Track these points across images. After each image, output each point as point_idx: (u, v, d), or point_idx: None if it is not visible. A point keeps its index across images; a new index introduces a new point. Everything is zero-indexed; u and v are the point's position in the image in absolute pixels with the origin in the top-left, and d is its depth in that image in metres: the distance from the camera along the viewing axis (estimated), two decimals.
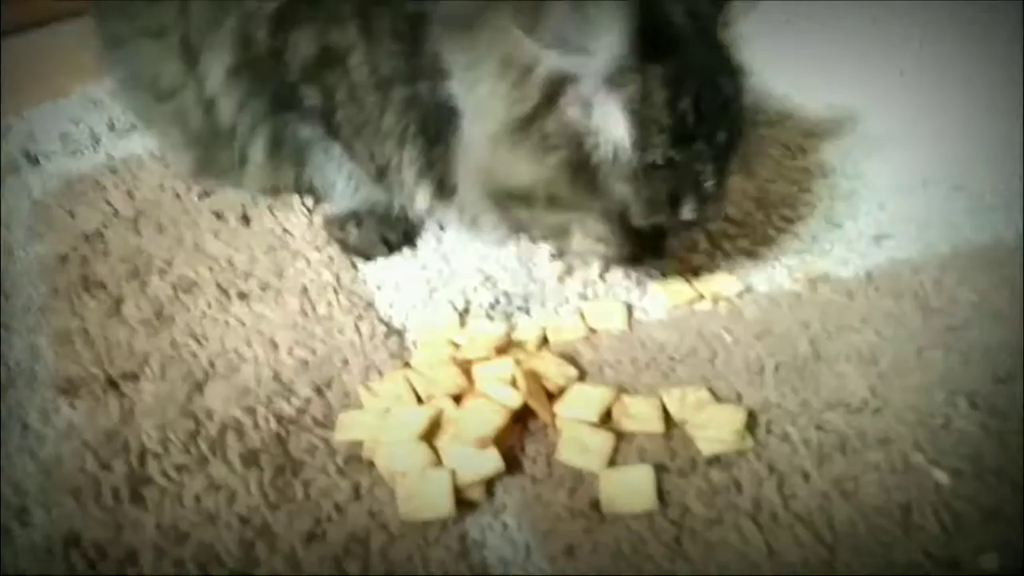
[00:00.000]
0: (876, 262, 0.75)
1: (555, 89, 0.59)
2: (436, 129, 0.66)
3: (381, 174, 0.73)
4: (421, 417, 0.58)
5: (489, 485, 0.56)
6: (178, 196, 0.86)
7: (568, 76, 0.58)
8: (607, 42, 0.56)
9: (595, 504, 0.54)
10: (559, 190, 0.62)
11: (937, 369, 0.63)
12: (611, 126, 0.59)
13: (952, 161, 0.88)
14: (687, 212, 0.63)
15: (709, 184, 0.62)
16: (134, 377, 0.65)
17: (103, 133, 0.97)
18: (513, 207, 0.65)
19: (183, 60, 0.76)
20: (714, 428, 0.58)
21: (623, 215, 0.63)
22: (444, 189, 0.70)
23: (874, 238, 0.78)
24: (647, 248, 0.67)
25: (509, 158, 0.61)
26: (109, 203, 0.86)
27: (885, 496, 0.54)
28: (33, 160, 0.94)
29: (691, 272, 0.75)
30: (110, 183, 0.88)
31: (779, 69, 1.03)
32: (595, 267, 0.74)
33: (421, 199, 0.72)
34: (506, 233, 0.72)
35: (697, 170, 0.62)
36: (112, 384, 0.65)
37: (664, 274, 0.73)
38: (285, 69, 0.70)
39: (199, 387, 0.64)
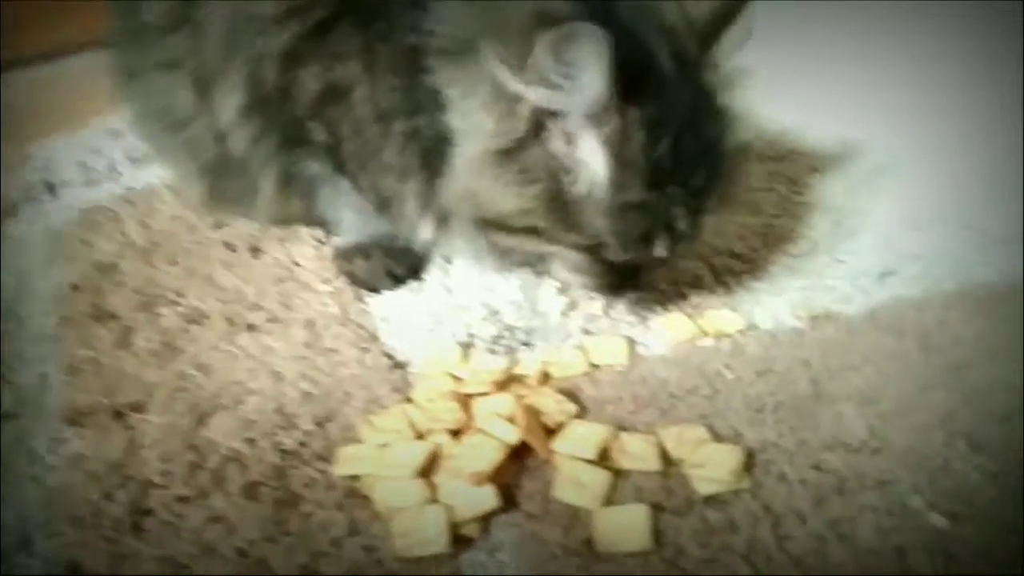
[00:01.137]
0: (880, 299, 0.75)
1: (540, 122, 0.61)
2: (437, 162, 0.67)
3: (384, 206, 0.74)
4: (418, 453, 0.59)
5: (485, 521, 0.56)
6: (192, 227, 0.87)
7: (552, 112, 0.60)
8: (587, 81, 0.57)
9: (589, 542, 0.54)
10: (537, 221, 0.63)
11: (938, 409, 0.63)
12: (590, 162, 0.61)
13: (959, 196, 0.88)
14: (659, 250, 0.65)
15: (682, 224, 0.64)
16: (140, 408, 0.66)
17: (121, 163, 0.98)
18: (494, 234, 0.67)
19: (195, 92, 0.77)
20: (711, 467, 0.58)
21: (598, 248, 0.65)
22: (447, 221, 0.71)
23: (879, 275, 0.78)
24: (625, 278, 0.69)
25: (491, 186, 0.63)
26: (124, 234, 0.87)
27: (881, 539, 0.54)
28: (51, 189, 0.95)
29: (693, 308, 0.75)
30: (126, 214, 0.90)
31: (785, 102, 1.04)
32: (598, 303, 0.74)
33: (424, 231, 0.73)
34: (496, 260, 0.74)
35: (672, 212, 0.63)
36: (118, 415, 0.66)
37: (643, 303, 0.74)
38: (293, 106, 0.72)
39: (203, 419, 0.65)
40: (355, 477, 0.59)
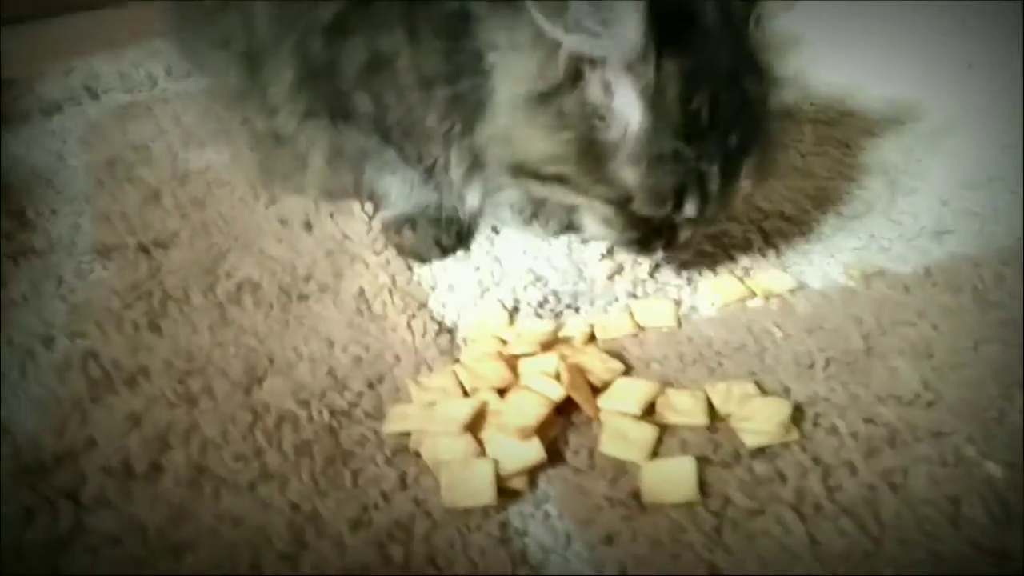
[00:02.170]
0: (935, 258, 0.74)
1: (578, 69, 0.61)
2: (481, 128, 0.68)
3: (430, 175, 0.75)
4: (465, 409, 0.59)
5: (532, 475, 0.57)
6: (220, 119, 0.90)
7: (591, 59, 0.60)
8: (623, 30, 0.57)
9: (636, 494, 0.55)
10: (567, 168, 0.63)
11: (993, 363, 0.61)
12: (626, 111, 0.60)
13: (1016, 156, 0.86)
14: (689, 209, 0.64)
15: (714, 185, 0.63)
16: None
17: (160, 76, 1.02)
18: (527, 181, 0.67)
19: (246, 69, 0.79)
20: (758, 420, 0.57)
21: (626, 203, 0.64)
22: (483, 171, 0.72)
23: (935, 234, 0.77)
24: (658, 237, 0.68)
25: (526, 129, 0.63)
26: (158, 124, 0.91)
27: (935, 488, 0.53)
28: (93, 94, 0.99)
29: (743, 271, 0.75)
30: (160, 111, 0.94)
31: (839, 63, 1.03)
32: (645, 266, 0.74)
33: (471, 198, 0.74)
34: (531, 214, 0.74)
35: (703, 169, 0.62)
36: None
37: (684, 265, 0.74)
38: (340, 78, 0.73)
39: (259, 382, 0.67)
40: (404, 434, 0.60)
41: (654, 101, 0.60)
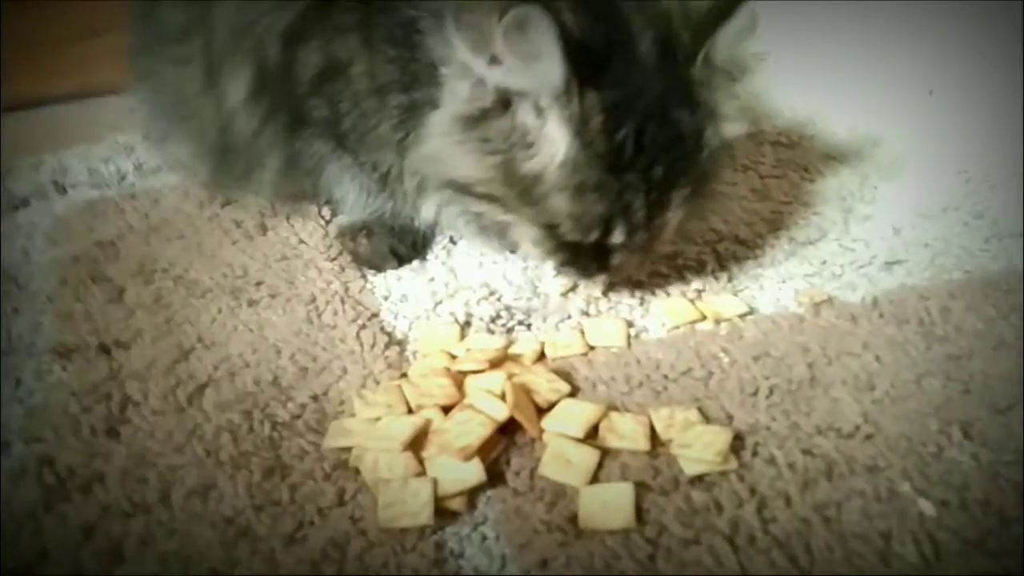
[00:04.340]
0: (885, 288, 0.74)
1: (507, 97, 0.62)
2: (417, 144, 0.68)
3: (384, 183, 0.75)
4: (408, 427, 0.59)
5: (471, 496, 0.57)
6: (190, 216, 0.88)
7: (515, 91, 0.61)
8: (546, 65, 0.58)
9: (573, 519, 0.55)
10: (496, 190, 0.64)
11: (934, 398, 0.62)
12: (552, 139, 0.61)
13: (974, 188, 0.87)
14: (617, 236, 0.65)
15: (640, 214, 0.63)
16: (126, 345, 0.70)
17: (129, 172, 0.97)
18: (461, 198, 0.68)
19: (203, 78, 0.79)
20: (698, 448, 0.58)
21: (555, 227, 0.65)
22: (424, 185, 0.72)
23: (885, 264, 0.78)
24: (591, 262, 0.68)
25: (455, 150, 0.64)
26: (126, 220, 0.88)
27: (867, 523, 0.53)
28: (61, 189, 0.95)
29: (695, 293, 0.75)
30: (129, 206, 0.90)
31: (802, 87, 1.03)
32: (599, 285, 0.74)
33: (426, 209, 0.74)
34: (472, 228, 0.75)
35: (628, 199, 0.63)
36: (104, 349, 0.70)
37: (636, 284, 0.74)
38: (295, 83, 0.73)
39: (201, 389, 0.66)
40: (346, 450, 0.60)
41: (579, 131, 0.61)
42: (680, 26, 0.63)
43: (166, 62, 0.81)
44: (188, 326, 0.72)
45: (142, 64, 0.85)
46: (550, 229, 0.66)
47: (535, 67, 0.59)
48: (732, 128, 0.66)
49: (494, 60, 0.59)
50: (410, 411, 0.62)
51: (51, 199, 0.93)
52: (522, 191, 0.63)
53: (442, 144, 0.65)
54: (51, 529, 0.55)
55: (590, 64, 0.59)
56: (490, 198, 0.65)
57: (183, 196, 0.90)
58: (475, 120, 0.63)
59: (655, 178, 0.63)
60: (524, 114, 0.62)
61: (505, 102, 0.62)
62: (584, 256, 0.68)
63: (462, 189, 0.66)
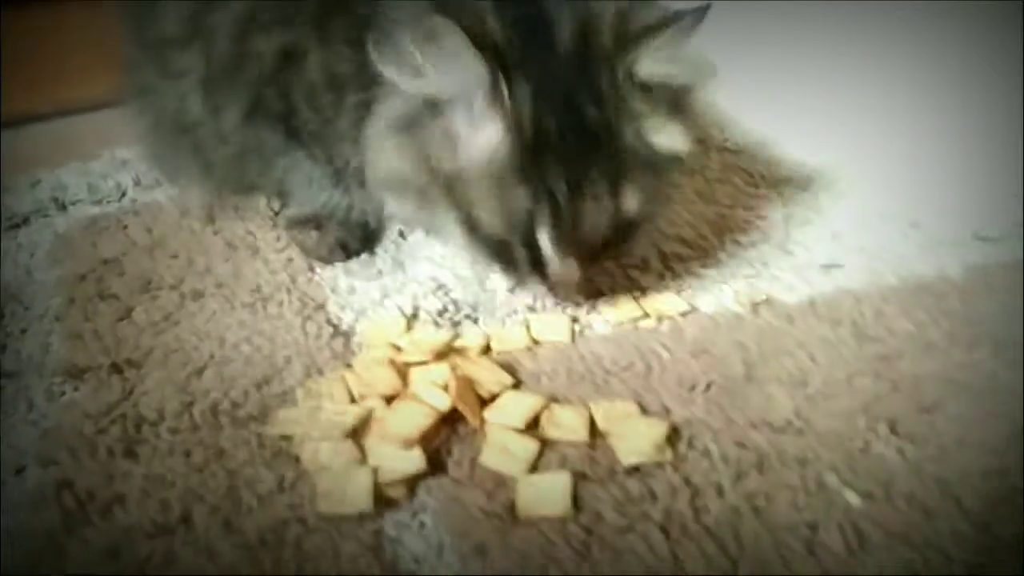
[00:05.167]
0: (822, 290, 0.76)
1: (437, 102, 0.63)
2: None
3: (340, 177, 0.75)
4: (350, 416, 0.59)
5: (412, 485, 0.57)
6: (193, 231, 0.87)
7: (444, 97, 0.63)
8: (468, 66, 0.60)
9: (511, 507, 0.55)
10: (426, 189, 0.65)
11: (864, 395, 0.64)
12: (486, 135, 0.62)
13: (911, 200, 0.89)
14: (543, 236, 0.65)
15: (560, 205, 0.63)
16: (137, 365, 0.69)
17: (128, 186, 0.96)
18: (393, 196, 0.69)
19: (157, 61, 0.79)
20: (635, 439, 0.59)
21: (479, 225, 0.66)
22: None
23: (823, 267, 0.79)
24: (525, 266, 0.68)
25: (385, 150, 0.66)
26: (128, 236, 0.87)
27: (795, 514, 0.55)
28: (60, 205, 0.94)
29: (640, 291, 0.76)
30: (131, 221, 0.89)
31: (750, 102, 1.06)
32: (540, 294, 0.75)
33: (386, 204, 0.74)
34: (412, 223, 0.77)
35: (549, 187, 0.63)
36: (116, 369, 0.69)
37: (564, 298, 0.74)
38: (249, 73, 0.73)
39: (141, 379, 0.66)
40: (287, 438, 0.60)
41: (510, 124, 0.62)
42: (605, 30, 0.64)
43: (138, 49, 0.81)
44: (196, 340, 0.71)
45: (138, 78, 0.84)
46: (480, 226, 0.66)
47: (457, 72, 0.61)
48: (668, 140, 0.66)
49: (417, 73, 0.62)
50: (353, 401, 0.62)
51: (51, 216, 0.92)
52: (454, 190, 0.64)
53: (377, 144, 0.67)
54: (74, 553, 0.53)
55: (512, 59, 0.61)
56: (421, 196, 0.66)
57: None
58: (407, 126, 0.64)
59: (571, 169, 0.63)
60: (454, 115, 0.63)
61: (434, 106, 0.63)
62: (513, 258, 0.68)
63: (396, 187, 0.68)
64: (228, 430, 0.61)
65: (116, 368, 0.68)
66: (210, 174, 0.84)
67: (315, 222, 0.80)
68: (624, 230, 0.68)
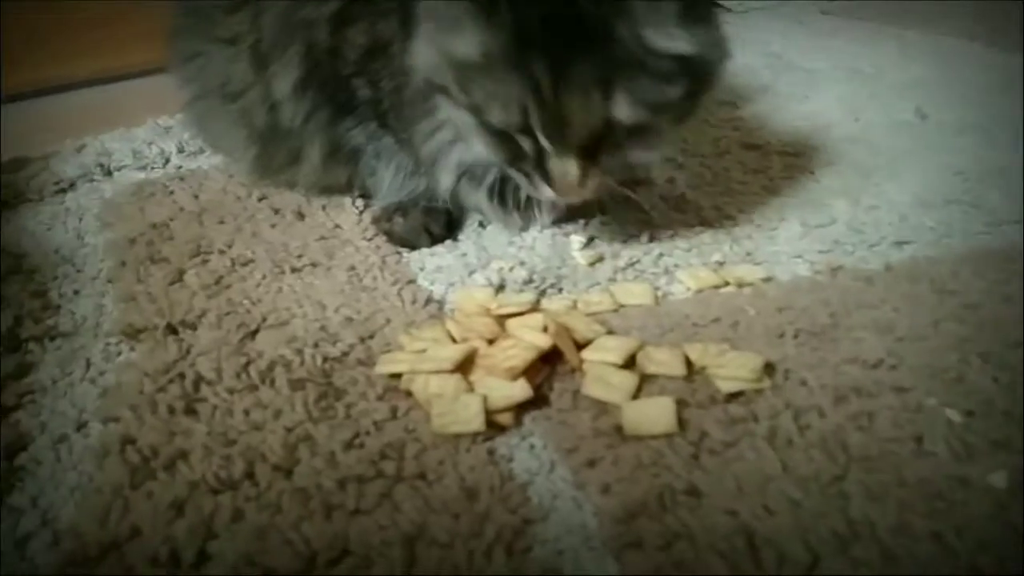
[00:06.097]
0: (896, 259, 0.78)
1: None
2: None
3: (419, 162, 0.79)
4: (456, 351, 0.62)
5: (517, 413, 0.59)
6: (239, 198, 0.93)
7: None
8: None
9: (618, 428, 0.57)
10: (445, 80, 0.69)
11: (952, 337, 0.65)
12: (474, 27, 0.65)
13: (971, 185, 0.92)
14: (535, 121, 0.66)
15: (547, 93, 0.64)
16: (192, 326, 0.71)
17: (172, 153, 1.03)
18: (437, 98, 0.73)
19: (252, 63, 0.84)
20: (733, 368, 0.60)
21: (481, 112, 0.68)
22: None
23: (895, 243, 0.82)
24: (534, 167, 0.70)
25: (422, 52, 0.71)
26: (175, 202, 0.92)
27: (899, 430, 0.56)
28: (106, 171, 1.00)
29: (716, 264, 0.79)
30: (177, 187, 0.95)
31: (806, 105, 1.10)
32: (625, 256, 0.78)
33: (444, 178, 0.79)
34: (492, 185, 0.80)
35: (536, 76, 0.64)
36: (172, 330, 0.70)
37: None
38: (342, 64, 0.78)
39: (252, 335, 0.69)
40: (396, 376, 0.62)
41: (491, 15, 0.63)
42: None
43: (212, 42, 0.86)
44: (248, 303, 0.74)
45: (186, 45, 0.90)
46: (480, 116, 0.68)
47: None
48: (673, 44, 0.65)
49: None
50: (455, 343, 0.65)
51: (98, 181, 0.97)
52: (464, 79, 0.67)
53: (417, 54, 0.71)
54: (140, 506, 0.54)
55: None
56: (443, 90, 0.69)
57: (227, 178, 0.94)
58: (434, 28, 0.68)
59: (557, 61, 0.64)
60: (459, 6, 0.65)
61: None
62: (519, 154, 0.70)
63: (434, 85, 0.71)
64: (339, 373, 0.63)
65: (171, 329, 0.70)
66: (252, 143, 0.88)
67: (401, 209, 0.84)
68: (627, 136, 0.69)
